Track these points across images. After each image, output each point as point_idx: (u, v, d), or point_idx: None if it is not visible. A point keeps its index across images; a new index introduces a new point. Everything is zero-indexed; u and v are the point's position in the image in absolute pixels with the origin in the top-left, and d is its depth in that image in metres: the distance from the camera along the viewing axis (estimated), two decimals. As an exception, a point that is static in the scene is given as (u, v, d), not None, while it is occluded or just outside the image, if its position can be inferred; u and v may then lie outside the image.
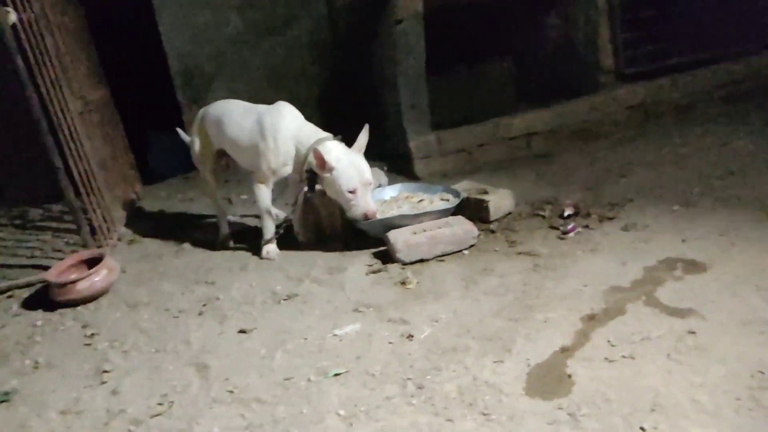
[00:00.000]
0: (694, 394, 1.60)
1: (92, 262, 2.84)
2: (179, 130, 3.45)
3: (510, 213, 3.05)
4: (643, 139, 3.80)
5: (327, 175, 2.73)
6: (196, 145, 3.16)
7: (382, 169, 4.03)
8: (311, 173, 2.83)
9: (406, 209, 3.03)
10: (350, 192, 2.72)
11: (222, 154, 3.14)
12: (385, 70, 4.30)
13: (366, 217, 2.77)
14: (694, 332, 1.85)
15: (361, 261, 2.74)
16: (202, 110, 3.21)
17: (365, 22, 4.49)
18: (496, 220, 2.99)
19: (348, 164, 2.72)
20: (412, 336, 2.08)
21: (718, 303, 1.98)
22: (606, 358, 1.80)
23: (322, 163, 2.70)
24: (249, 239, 3.12)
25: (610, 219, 2.78)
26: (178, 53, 4.58)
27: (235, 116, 2.98)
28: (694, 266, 2.24)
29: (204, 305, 2.50)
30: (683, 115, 4.01)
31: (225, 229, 3.22)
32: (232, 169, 3.31)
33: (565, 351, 1.87)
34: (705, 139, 3.59)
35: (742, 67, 4.06)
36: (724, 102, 4.06)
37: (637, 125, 4.01)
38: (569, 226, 2.74)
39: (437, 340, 2.04)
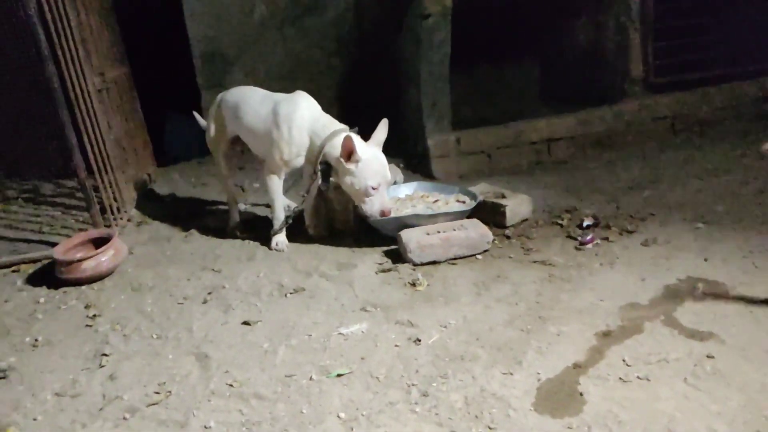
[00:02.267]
0: (711, 423, 1.53)
1: (100, 242, 2.81)
2: (196, 114, 3.41)
3: (527, 219, 2.98)
4: (668, 151, 3.70)
5: (351, 166, 2.63)
6: (212, 130, 3.12)
7: (399, 166, 3.97)
8: (326, 165, 2.77)
9: (420, 208, 2.96)
10: (373, 188, 2.65)
11: (237, 140, 3.10)
12: (408, 65, 4.23)
13: (382, 214, 2.71)
14: (713, 357, 1.77)
15: (371, 259, 2.69)
16: (219, 95, 3.16)
17: (391, 15, 4.43)
18: (513, 225, 2.92)
19: (373, 158, 2.66)
20: (420, 340, 2.02)
21: (739, 327, 1.90)
22: (620, 378, 1.73)
23: (350, 152, 2.61)
24: (259, 229, 3.07)
25: (630, 232, 2.69)
26: (200, 37, 4.54)
27: (251, 103, 2.93)
28: (716, 287, 2.15)
29: (209, 293, 2.46)
30: (711, 130, 3.90)
31: (235, 217, 3.17)
32: (247, 156, 3.26)
33: (578, 367, 1.80)
34: (731, 156, 3.48)
35: (776, 83, 3.95)
36: (755, 119, 3.94)
37: (662, 137, 3.91)
38: (588, 237, 2.66)
39: (445, 346, 1.98)
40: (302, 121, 2.76)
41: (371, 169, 2.64)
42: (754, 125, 3.88)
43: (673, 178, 3.29)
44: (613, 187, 3.30)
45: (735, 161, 3.41)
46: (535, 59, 4.96)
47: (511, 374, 1.80)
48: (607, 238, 2.66)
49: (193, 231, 3.17)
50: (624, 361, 1.81)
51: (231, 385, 1.84)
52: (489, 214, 2.94)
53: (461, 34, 3.96)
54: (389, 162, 2.82)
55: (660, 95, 3.98)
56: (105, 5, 3.90)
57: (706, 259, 2.36)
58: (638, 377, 1.72)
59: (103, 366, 2.02)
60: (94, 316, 2.38)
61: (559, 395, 1.69)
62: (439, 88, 3.99)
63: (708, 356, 1.78)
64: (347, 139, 2.57)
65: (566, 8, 4.44)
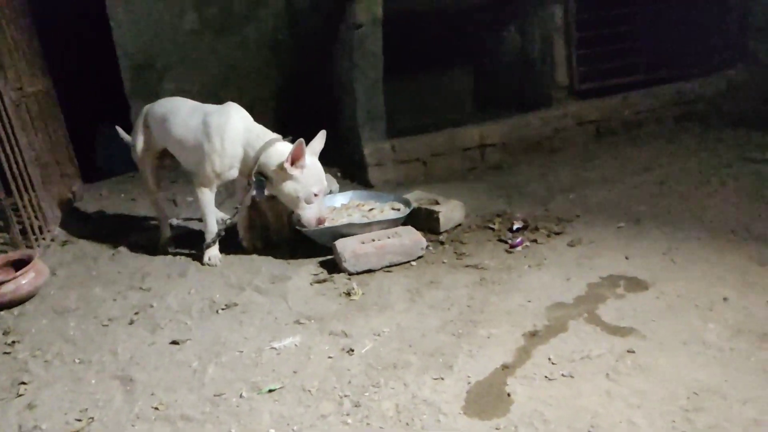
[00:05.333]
0: (631, 416, 1.59)
1: (20, 264, 2.68)
2: (119, 128, 3.30)
3: (460, 224, 3.03)
4: (594, 155, 3.84)
5: (296, 172, 2.62)
6: (138, 144, 3.03)
7: (336, 176, 3.96)
8: (261, 175, 2.74)
9: (356, 217, 2.96)
10: (315, 195, 2.66)
11: (164, 154, 3.02)
12: (343, 74, 4.24)
13: (318, 223, 2.71)
14: (633, 351, 1.85)
15: (306, 270, 2.66)
16: (146, 107, 3.07)
17: (326, 25, 4.43)
18: (446, 231, 2.96)
19: (314, 165, 2.67)
20: (353, 350, 2.01)
21: (658, 322, 1.99)
22: (546, 377, 1.77)
23: (298, 158, 2.59)
24: (192, 244, 3.00)
25: (558, 234, 2.78)
26: (128, 47, 4.42)
27: (180, 115, 2.86)
28: (636, 284, 2.25)
29: (136, 313, 2.38)
30: (634, 133, 4.08)
31: (166, 233, 3.08)
32: (180, 169, 3.18)
33: (506, 368, 1.84)
34: (653, 158, 3.65)
35: (693, 87, 4.17)
36: (674, 121, 4.15)
37: (588, 141, 4.07)
38: (517, 240, 2.73)
39: (378, 355, 1.98)
40: (235, 132, 2.72)
41: (314, 175, 2.66)
42: (671, 127, 4.09)
43: (598, 180, 3.42)
44: (542, 190, 3.40)
45: (655, 162, 3.57)
46: (470, 67, 5.07)
47: (442, 379, 1.81)
48: (535, 240, 2.73)
49: (122, 249, 3.06)
50: (550, 359, 1.86)
51: (156, 408, 1.78)
52: (423, 220, 2.97)
53: (397, 43, 4.01)
54: (325, 172, 2.82)
55: (585, 101, 4.13)
56: (22, 17, 3.74)
57: (627, 257, 2.46)
58: (563, 375, 1.77)
59: (20, 395, 1.92)
60: (13, 342, 2.26)
61: (488, 397, 1.72)
62: (374, 96, 4.01)
63: (629, 351, 1.85)
64: (299, 143, 2.57)
65: (496, 17, 4.56)
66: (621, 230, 2.74)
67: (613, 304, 2.13)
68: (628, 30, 4.33)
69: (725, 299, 2.06)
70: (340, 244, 2.65)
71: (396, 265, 2.63)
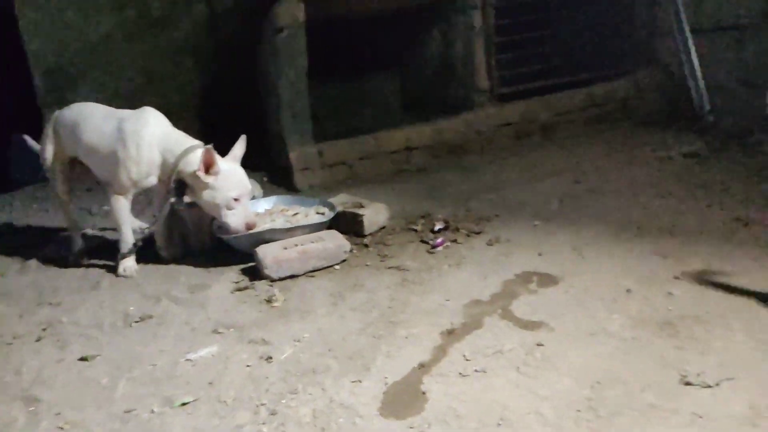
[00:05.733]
0: (538, 407, 1.65)
1: None
2: (26, 137, 3.14)
3: (384, 227, 3.05)
4: (514, 156, 3.96)
5: (210, 179, 2.57)
6: (47, 152, 2.89)
7: (261, 180, 3.93)
8: (180, 182, 2.68)
9: (279, 223, 2.94)
10: (235, 200, 2.61)
11: (75, 162, 2.89)
12: (267, 79, 4.20)
13: (247, 227, 2.68)
14: (542, 344, 1.92)
15: (227, 278, 2.62)
16: (55, 113, 2.94)
17: (249, 29, 4.37)
18: (370, 234, 2.98)
19: (232, 170, 2.64)
20: (272, 358, 1.99)
21: (566, 315, 2.07)
22: (460, 373, 1.82)
23: (210, 164, 2.54)
24: (107, 255, 2.89)
25: (477, 233, 2.85)
26: (40, 51, 4.22)
27: (93, 121, 2.76)
28: (547, 279, 2.34)
29: (44, 329, 2.27)
30: (552, 135, 4.24)
31: (78, 244, 2.95)
32: (89, 178, 3.05)
33: (423, 367, 1.87)
34: (569, 158, 3.81)
35: (604, 90, 4.37)
36: (589, 122, 4.34)
37: (509, 143, 4.19)
38: (438, 240, 2.79)
39: (298, 361, 1.97)
40: (152, 138, 2.65)
41: (231, 180, 2.62)
42: (586, 128, 4.27)
43: (516, 180, 3.53)
44: (464, 191, 3.48)
45: (571, 162, 3.72)
46: (397, 71, 5.13)
47: (360, 382, 1.82)
48: (455, 240, 2.79)
49: (31, 262, 2.91)
50: (464, 356, 1.90)
51: (62, 428, 1.71)
52: (348, 224, 2.98)
53: (323, 46, 4.00)
54: (250, 177, 2.79)
55: (505, 104, 4.26)
56: None
57: (540, 254, 2.55)
58: (476, 371, 1.82)
59: None
60: None
61: (404, 397, 1.74)
62: (299, 100, 3.99)
63: (538, 344, 1.92)
64: (207, 150, 2.53)
65: (420, 22, 4.64)
66: (536, 228, 2.84)
67: (525, 300, 2.21)
68: (545, 35, 4.51)
69: (628, 291, 2.17)
70: (262, 251, 2.62)
71: (320, 269, 2.63)
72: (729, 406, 1.57)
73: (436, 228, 2.93)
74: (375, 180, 3.89)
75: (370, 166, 4.04)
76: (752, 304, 2.00)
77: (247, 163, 2.72)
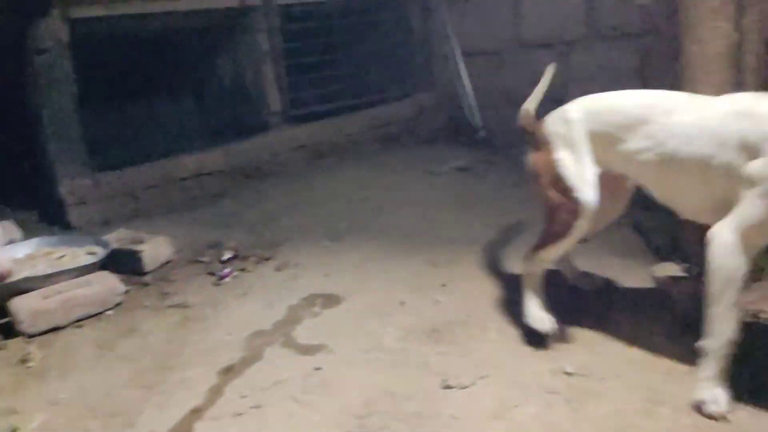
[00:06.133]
0: (309, 434, 1.64)
1: None
2: None
3: (169, 261, 2.87)
4: (308, 178, 4.00)
5: None
6: None
7: (32, 220, 3.49)
8: None
9: (41, 268, 2.61)
10: None
11: None
12: (32, 106, 3.74)
13: (2, 279, 2.32)
14: (320, 368, 1.92)
15: (-28, 340, 2.25)
16: None
17: (9, 51, 3.87)
18: (153, 270, 2.77)
19: None
20: (18, 429, 1.74)
21: (346, 335, 2.11)
22: (235, 413, 1.74)
23: None
24: None
25: (267, 259, 2.81)
26: None
27: None
28: (331, 300, 2.37)
29: None
30: (344, 155, 4.36)
31: None
32: None
33: (196, 412, 1.76)
34: (359, 177, 3.94)
35: (390, 112, 4.63)
36: (378, 142, 4.55)
37: (304, 165, 4.23)
38: (225, 271, 2.69)
39: (51, 429, 1.74)
40: None
41: None
42: (374, 148, 4.48)
43: (309, 202, 3.56)
44: (258, 216, 3.42)
45: (360, 182, 3.85)
46: (192, 94, 4.92)
47: (122, 440, 1.67)
48: (244, 269, 2.72)
49: None
50: (241, 393, 1.83)
51: None
52: (126, 262, 2.74)
53: (109, 67, 3.69)
54: (18, 217, 2.44)
55: (299, 126, 4.30)
56: None
57: (326, 275, 2.59)
58: (251, 407, 1.76)
59: None
60: None
61: (171, 449, 1.62)
62: (69, 128, 3.61)
63: (316, 369, 1.93)
64: None
65: (211, 43, 4.51)
66: (325, 249, 2.88)
67: (308, 324, 2.21)
68: (333, 58, 4.65)
69: (402, 303, 2.28)
70: (16, 303, 2.30)
71: (89, 317, 2.37)
72: (481, 404, 1.70)
73: (224, 258, 2.83)
74: (163, 210, 3.65)
75: (158, 195, 3.79)
76: (505, 305, 2.21)
77: (16, 201, 2.37)
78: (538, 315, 1.97)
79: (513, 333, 2.03)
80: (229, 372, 1.95)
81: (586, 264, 2.33)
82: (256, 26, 4.21)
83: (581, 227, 1.87)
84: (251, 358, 2.02)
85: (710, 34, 1.83)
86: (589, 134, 1.87)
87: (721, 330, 1.57)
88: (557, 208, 1.91)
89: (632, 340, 1.92)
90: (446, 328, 2.09)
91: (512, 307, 2.15)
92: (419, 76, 4.83)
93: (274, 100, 4.29)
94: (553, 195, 1.92)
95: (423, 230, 2.96)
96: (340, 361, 1.96)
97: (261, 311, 2.33)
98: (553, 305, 2.01)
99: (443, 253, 2.65)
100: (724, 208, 1.59)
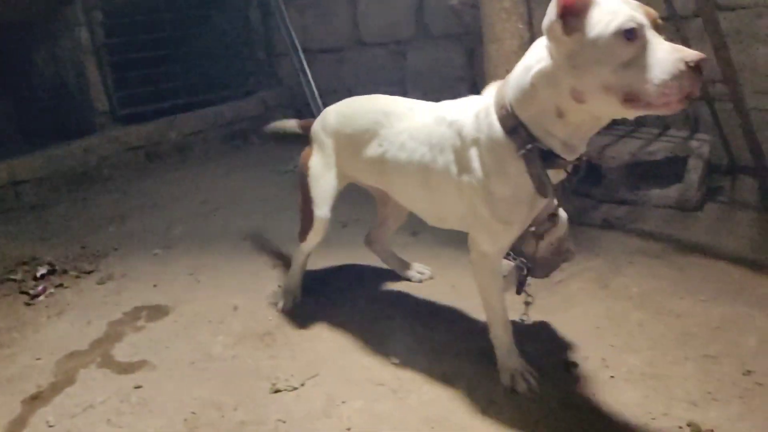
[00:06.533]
0: (127, 458, 1.53)
1: None
2: None
3: (-29, 283, 2.54)
4: (143, 181, 3.76)
5: None
6: None
7: None
8: None
9: None
10: None
11: None
12: None
13: None
14: (141, 386, 1.80)
15: None
16: None
17: None
18: (-51, 295, 2.44)
19: None
20: None
21: (171, 348, 2.00)
22: (40, 446, 1.58)
23: None
24: None
25: (89, 273, 2.59)
26: None
27: None
28: (157, 312, 2.23)
29: None
30: (184, 155, 4.16)
31: None
32: None
33: (-8, 451, 1.57)
34: (200, 178, 3.78)
35: (234, 109, 4.48)
36: (223, 141, 4.39)
37: (138, 167, 3.97)
38: (39, 288, 2.44)
39: None
40: None
41: None
42: (218, 147, 4.33)
43: (142, 207, 3.34)
44: (82, 225, 3.15)
45: (201, 183, 3.69)
46: (7, 95, 4.39)
47: None
48: (62, 285, 2.48)
49: None
50: (48, 422, 1.66)
51: None
52: None
53: None
54: None
55: (130, 126, 4.02)
56: None
57: (155, 285, 2.44)
58: (60, 438, 1.61)
59: None
60: None
61: (-45, 498, 1.43)
62: None
63: (136, 387, 1.80)
64: None
65: (26, 39, 4.05)
66: (156, 257, 2.72)
67: (130, 340, 2.06)
68: (166, 54, 4.40)
69: (235, 308, 2.21)
70: None
71: None
72: (310, 404, 1.69)
73: (39, 274, 2.56)
74: (-31, 225, 3.23)
75: (-38, 208, 3.35)
76: (338, 301, 2.23)
77: None
78: (287, 293, 2.13)
79: (345, 329, 2.05)
80: (35, 400, 1.77)
81: (415, 256, 2.42)
82: (75, 20, 3.86)
83: (313, 239, 2.00)
84: (63, 382, 1.84)
85: (505, 33, 1.96)
86: (338, 141, 1.88)
87: (496, 333, 1.68)
88: (302, 209, 2.01)
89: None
90: (280, 330, 2.06)
91: (346, 303, 2.17)
92: (263, 73, 4.73)
93: (100, 99, 3.97)
94: (301, 197, 1.99)
95: (262, 231, 2.89)
96: (163, 377, 1.85)
97: (77, 330, 2.14)
98: (379, 294, 2.06)
99: (281, 254, 2.61)
100: (462, 214, 1.59)
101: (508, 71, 2.00)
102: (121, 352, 1.99)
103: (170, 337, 2.06)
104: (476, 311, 2.08)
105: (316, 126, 1.99)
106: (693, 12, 2.54)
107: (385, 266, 2.36)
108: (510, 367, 1.68)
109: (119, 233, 3.01)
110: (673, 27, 2.68)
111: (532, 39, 2.03)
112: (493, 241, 1.56)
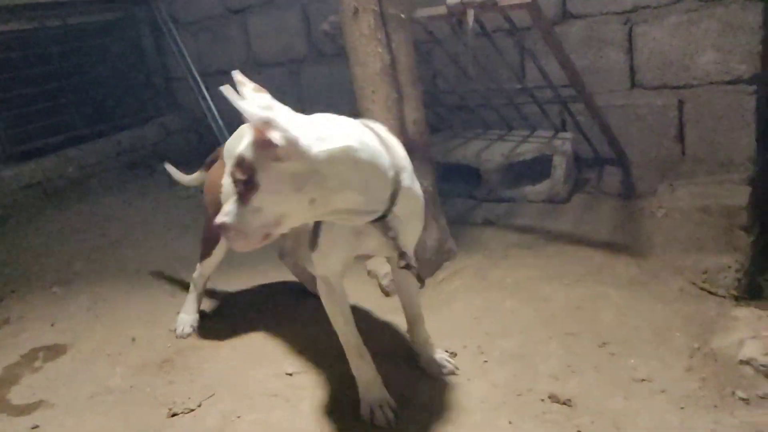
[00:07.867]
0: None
1: None
2: None
3: None
4: (40, 218, 3.67)
5: None
6: None
7: None
8: None
9: None
10: None
11: None
12: None
13: None
14: (37, 426, 1.82)
15: None
16: None
17: None
18: None
19: None
20: None
21: (69, 385, 2.02)
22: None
23: None
24: None
25: (-13, 320, 2.54)
26: None
27: None
28: (55, 351, 2.24)
29: None
30: (84, 188, 4.08)
31: None
32: None
33: None
34: (102, 211, 3.72)
35: (132, 137, 4.45)
36: (124, 169, 4.35)
37: (36, 205, 3.87)
38: (-72, 342, 2.38)
39: None
40: None
41: None
42: (121, 176, 4.28)
43: (40, 245, 3.28)
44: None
45: (102, 216, 3.65)
46: None
47: None
48: (-46, 337, 2.43)
49: None
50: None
51: None
52: None
53: None
54: None
55: (22, 164, 3.92)
56: None
57: (53, 324, 2.43)
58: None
59: None
60: None
61: None
62: None
63: (33, 428, 1.82)
64: None
65: None
66: (54, 295, 2.70)
67: (27, 381, 2.07)
68: (58, 87, 4.30)
69: (133, 339, 2.25)
70: None
71: None
72: (205, 423, 1.77)
73: (-73, 327, 2.49)
74: None
75: None
76: (241, 320, 2.31)
77: None
78: (184, 319, 2.20)
79: (246, 346, 2.14)
80: None
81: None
82: (-45, 57, 3.74)
83: (218, 255, 2.10)
84: (-62, 436, 1.84)
85: (368, 57, 2.12)
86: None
87: (351, 361, 1.69)
88: (207, 229, 2.07)
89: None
90: (180, 355, 2.12)
91: (252, 321, 2.26)
92: (161, 98, 4.72)
93: (-12, 138, 3.85)
94: (211, 216, 1.86)
95: (162, 260, 2.92)
96: (61, 414, 1.88)
97: (-34, 382, 2.12)
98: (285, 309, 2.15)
99: (180, 282, 2.66)
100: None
101: (374, 92, 2.18)
102: (18, 394, 2.00)
103: (68, 374, 2.08)
104: (381, 312, 2.22)
105: (229, 145, 2.00)
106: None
107: (296, 279, 2.45)
108: (369, 399, 1.67)
109: (15, 275, 2.96)
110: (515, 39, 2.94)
111: (393, 61, 2.22)
112: (319, 266, 1.61)
